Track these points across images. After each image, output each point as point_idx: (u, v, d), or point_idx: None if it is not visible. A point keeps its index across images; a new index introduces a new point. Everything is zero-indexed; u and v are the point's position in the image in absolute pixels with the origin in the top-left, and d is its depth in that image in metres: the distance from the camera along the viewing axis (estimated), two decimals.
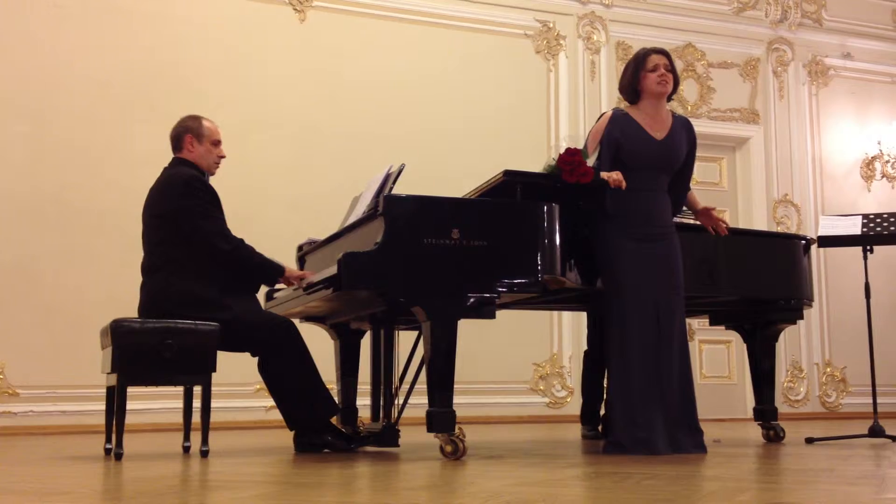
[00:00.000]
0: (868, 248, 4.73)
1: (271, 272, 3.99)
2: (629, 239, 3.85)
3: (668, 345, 3.82)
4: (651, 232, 3.89)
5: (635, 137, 3.93)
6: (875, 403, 4.74)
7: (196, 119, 4.16)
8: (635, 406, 3.75)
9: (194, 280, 3.87)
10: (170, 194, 3.95)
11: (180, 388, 3.99)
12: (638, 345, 3.80)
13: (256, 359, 3.96)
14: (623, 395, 3.80)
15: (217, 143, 4.16)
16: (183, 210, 3.89)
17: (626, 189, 3.78)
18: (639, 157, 3.92)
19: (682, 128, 4.05)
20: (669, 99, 4.06)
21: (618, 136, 3.92)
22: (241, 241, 3.95)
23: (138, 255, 4.05)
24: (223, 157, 4.20)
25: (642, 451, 3.66)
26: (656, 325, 3.82)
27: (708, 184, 8.17)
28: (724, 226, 4.25)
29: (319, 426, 3.95)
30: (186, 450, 3.91)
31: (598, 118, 4.16)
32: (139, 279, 4.01)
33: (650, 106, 3.99)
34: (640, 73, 3.96)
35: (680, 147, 4.01)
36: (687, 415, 3.83)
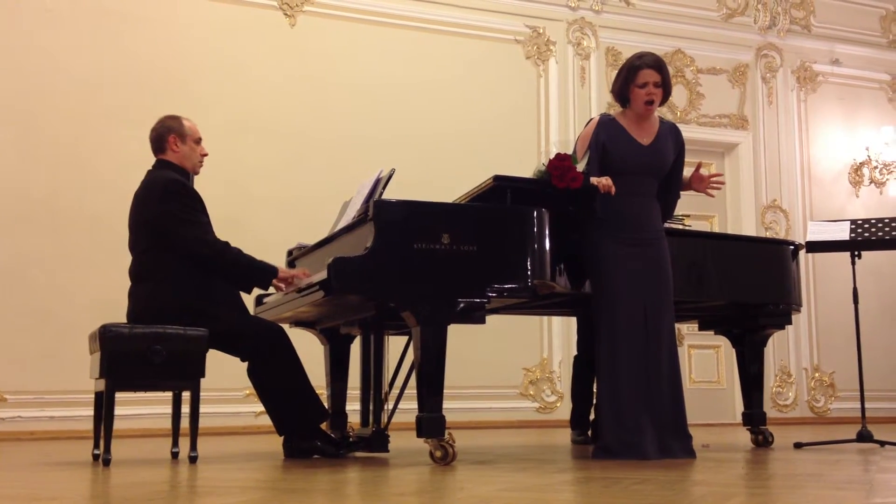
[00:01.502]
0: (856, 253, 4.74)
1: (264, 274, 3.89)
2: (618, 244, 3.87)
3: (656, 349, 3.83)
4: (640, 237, 3.91)
5: (622, 143, 3.94)
6: (863, 408, 4.76)
7: (176, 118, 4.11)
8: (624, 410, 3.76)
9: (181, 290, 3.84)
10: (151, 200, 3.90)
11: (169, 394, 3.98)
12: (626, 349, 3.81)
13: (246, 364, 3.94)
14: (612, 399, 3.80)
15: (199, 140, 4.12)
16: (164, 216, 3.85)
17: (614, 194, 3.79)
18: (626, 163, 3.92)
19: (670, 133, 4.06)
20: (661, 104, 4.06)
21: (604, 141, 3.93)
22: (226, 244, 3.88)
23: (128, 259, 4.02)
24: (206, 155, 4.16)
25: (631, 455, 3.66)
26: (644, 329, 3.83)
27: None
28: (719, 179, 4.24)
29: (309, 431, 3.94)
30: (175, 455, 3.90)
31: (587, 123, 4.17)
32: (128, 283, 3.99)
33: (637, 113, 4.00)
34: (630, 86, 3.95)
35: (667, 152, 4.02)
36: (676, 420, 3.84)
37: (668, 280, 3.94)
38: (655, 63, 3.95)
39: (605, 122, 4.00)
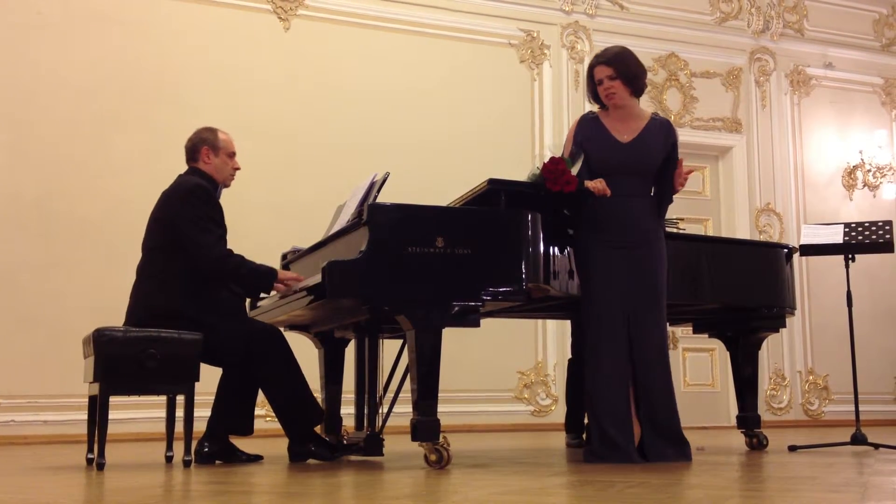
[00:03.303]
0: (850, 256, 4.76)
1: (265, 279, 3.88)
2: (605, 247, 3.82)
3: (641, 353, 3.79)
4: (628, 239, 3.84)
5: (600, 141, 3.89)
6: (857, 411, 4.77)
7: (212, 131, 4.16)
8: (605, 414, 3.73)
9: (181, 295, 3.84)
10: (172, 201, 3.95)
11: (163, 398, 3.97)
12: (607, 353, 3.78)
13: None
14: (594, 402, 3.78)
15: (232, 154, 4.18)
16: (180, 218, 3.87)
17: (598, 196, 3.76)
18: (605, 162, 3.86)
19: (660, 129, 3.96)
20: (638, 95, 3.97)
21: (581, 140, 3.90)
22: (228, 254, 3.87)
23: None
24: (238, 168, 4.21)
25: (617, 459, 3.64)
26: (626, 333, 3.78)
27: (691, 192, 8.21)
28: (688, 172, 4.08)
29: (304, 435, 3.93)
30: (169, 459, 3.89)
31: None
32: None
33: (617, 110, 3.96)
34: (593, 85, 3.96)
35: (651, 149, 3.91)
36: (669, 425, 3.81)
37: (656, 283, 3.87)
38: (605, 58, 3.91)
39: (585, 122, 3.97)
